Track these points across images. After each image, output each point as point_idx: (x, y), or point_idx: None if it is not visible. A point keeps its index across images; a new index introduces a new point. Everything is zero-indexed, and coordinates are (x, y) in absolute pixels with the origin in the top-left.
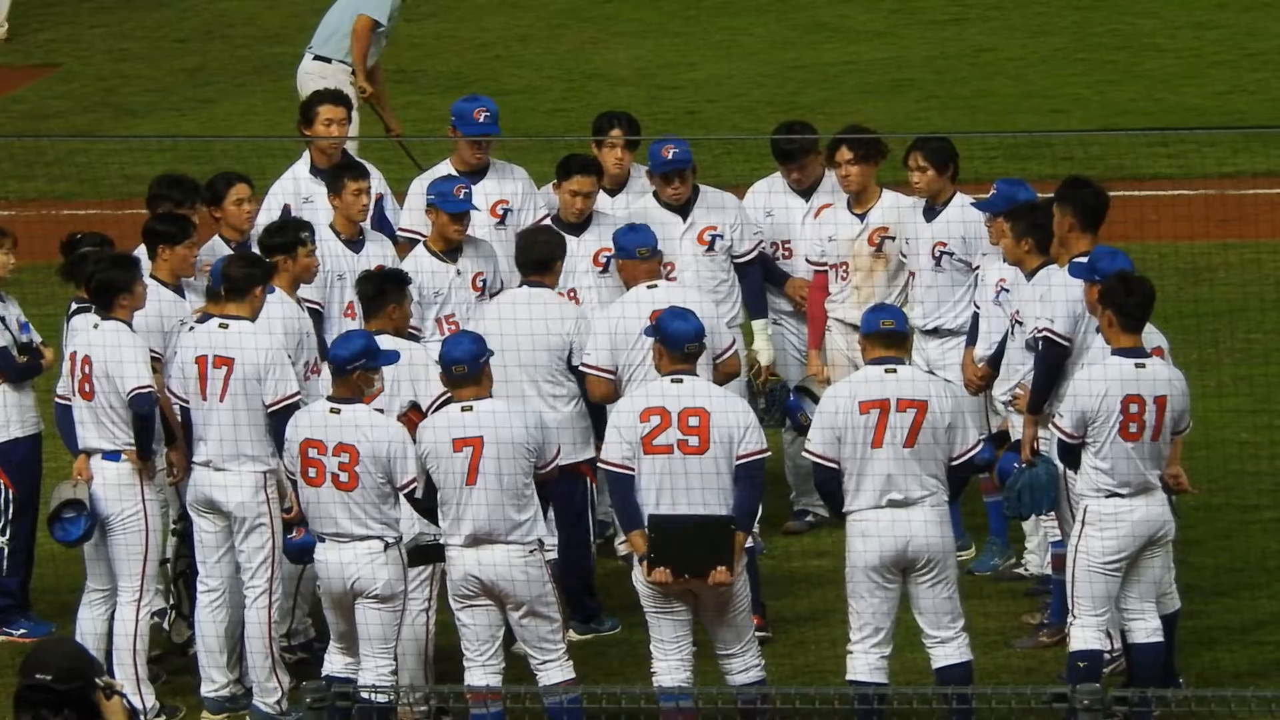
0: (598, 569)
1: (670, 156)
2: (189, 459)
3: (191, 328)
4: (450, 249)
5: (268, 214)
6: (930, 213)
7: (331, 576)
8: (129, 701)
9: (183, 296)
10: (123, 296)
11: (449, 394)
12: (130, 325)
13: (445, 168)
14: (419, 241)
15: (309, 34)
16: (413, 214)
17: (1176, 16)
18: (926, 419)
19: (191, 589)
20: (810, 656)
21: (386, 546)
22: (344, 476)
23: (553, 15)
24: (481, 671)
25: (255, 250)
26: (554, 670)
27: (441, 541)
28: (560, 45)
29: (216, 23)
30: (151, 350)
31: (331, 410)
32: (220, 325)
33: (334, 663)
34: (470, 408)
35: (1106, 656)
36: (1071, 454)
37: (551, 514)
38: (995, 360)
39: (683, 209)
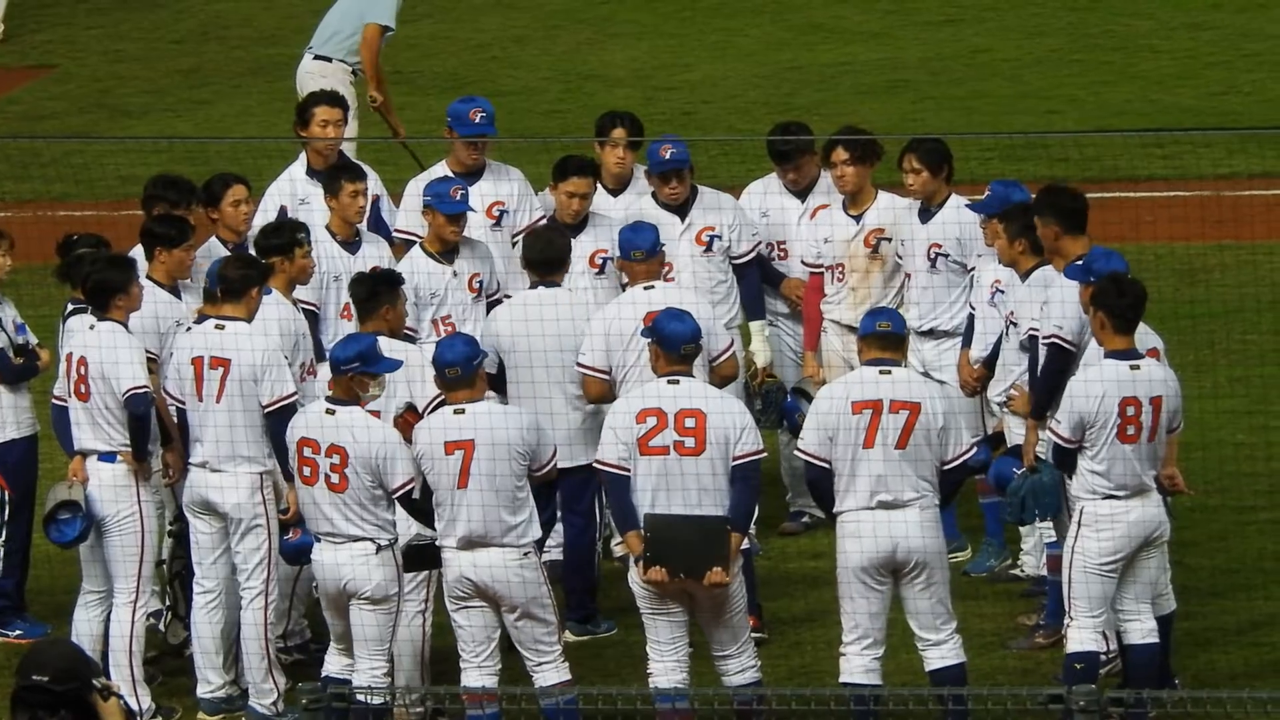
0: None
1: (668, 156)
2: (185, 460)
3: (189, 328)
4: (446, 250)
5: (264, 215)
6: (925, 214)
7: (327, 577)
8: (125, 703)
9: (179, 298)
10: (118, 297)
11: (443, 396)
12: (126, 326)
13: (441, 169)
14: (415, 243)
15: (305, 35)
16: (409, 215)
17: (1172, 17)
18: (919, 421)
19: (187, 590)
20: (806, 657)
21: (379, 549)
22: (335, 478)
23: (549, 16)
24: (477, 673)
25: (251, 252)
26: (550, 671)
27: (437, 543)
28: (556, 46)
29: (212, 24)
30: (148, 351)
31: (328, 411)
32: (216, 326)
33: (333, 663)
34: (463, 410)
35: (1103, 658)
36: (1067, 458)
37: (558, 512)
38: (991, 361)
39: (681, 209)
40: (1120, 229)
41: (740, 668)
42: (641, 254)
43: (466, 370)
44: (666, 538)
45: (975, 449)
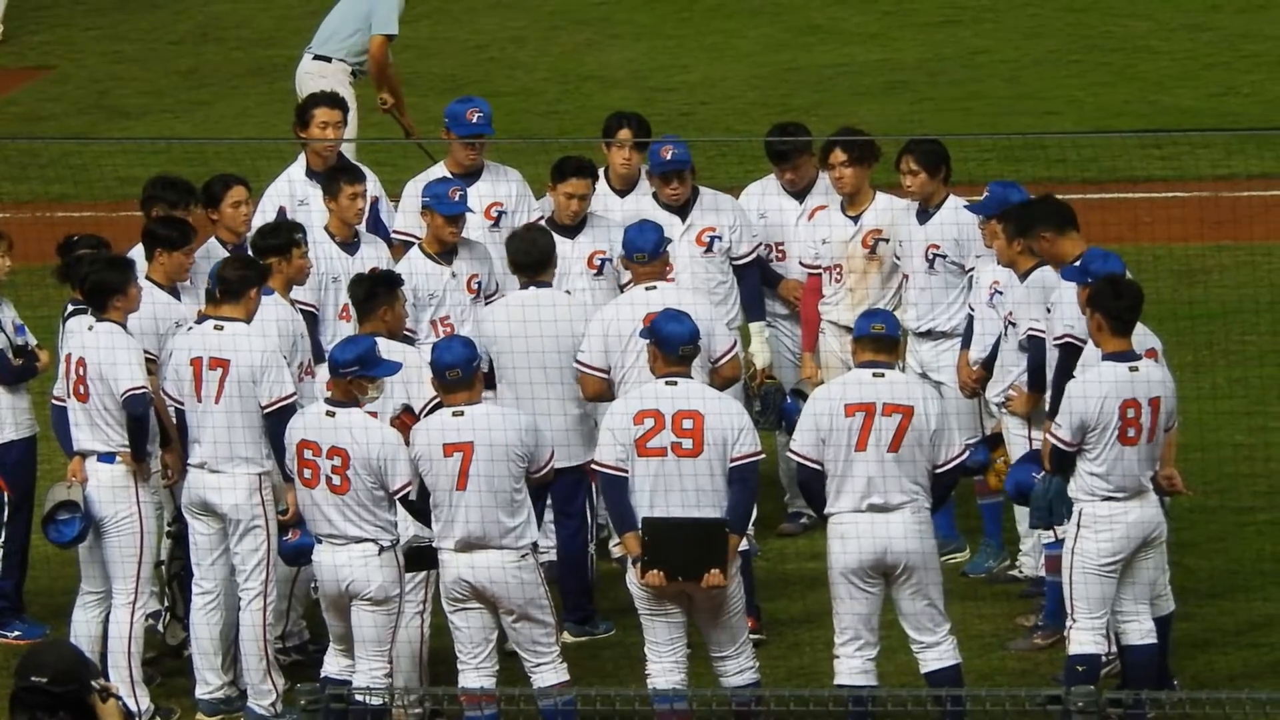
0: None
1: (669, 157)
2: (184, 461)
3: (190, 328)
4: (445, 251)
5: (262, 216)
6: (923, 215)
7: (327, 578)
8: (124, 704)
9: (178, 299)
10: (116, 298)
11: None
12: (125, 327)
13: (440, 170)
14: (414, 244)
15: (303, 36)
16: (407, 216)
17: (1170, 19)
18: (912, 424)
19: (186, 591)
20: (805, 659)
21: (381, 550)
22: (336, 480)
23: (547, 17)
24: (475, 674)
25: (250, 253)
26: (548, 673)
27: (434, 545)
28: (555, 47)
29: (211, 25)
30: (146, 352)
31: (328, 413)
32: (216, 327)
33: (333, 664)
34: (461, 413)
35: (1103, 659)
36: (1067, 460)
37: (549, 514)
38: (989, 362)
39: (681, 210)
40: (1119, 230)
41: (738, 669)
42: (644, 256)
43: (466, 372)
44: (664, 539)
45: (969, 451)
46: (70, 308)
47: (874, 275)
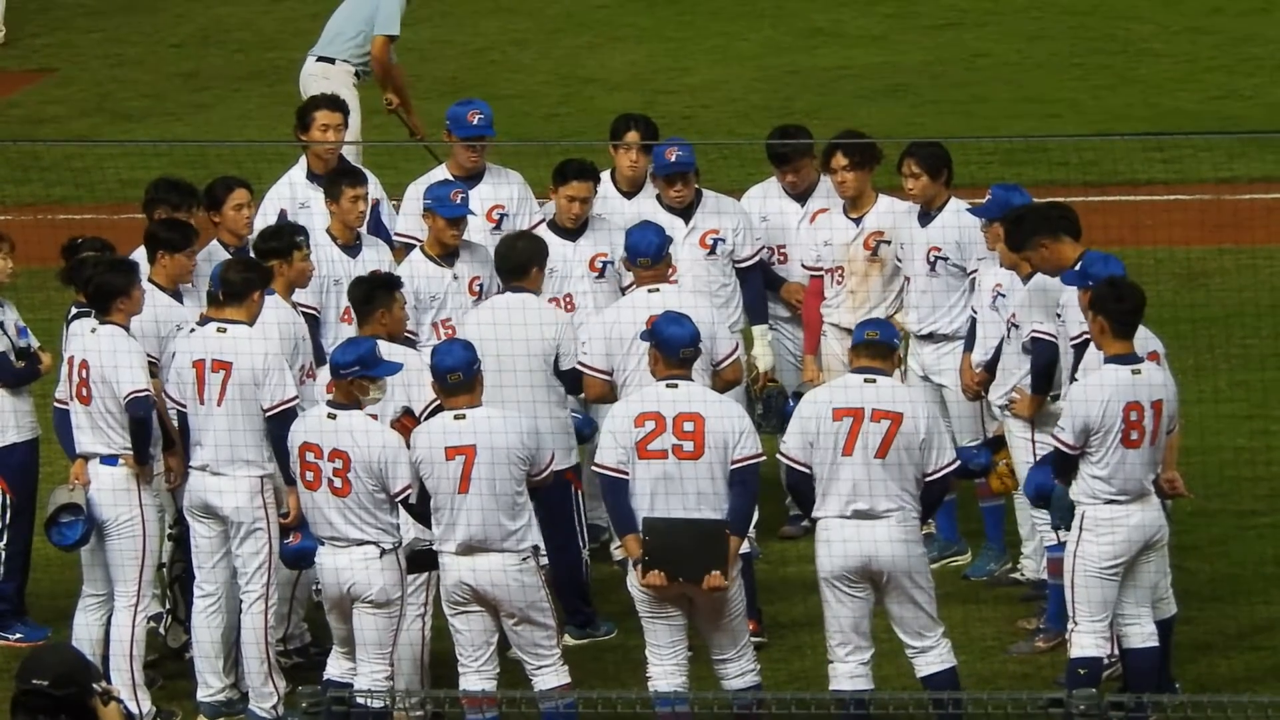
0: (593, 574)
1: (673, 159)
2: (186, 463)
3: (192, 331)
4: (447, 254)
5: (263, 219)
6: (925, 218)
7: (329, 581)
8: (125, 707)
9: (180, 302)
10: (120, 301)
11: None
12: (128, 330)
13: (441, 172)
14: (415, 246)
15: (304, 39)
16: (409, 219)
17: (1172, 21)
18: (900, 431)
19: (188, 594)
20: (806, 661)
21: (383, 552)
22: (338, 482)
23: (548, 20)
24: (476, 677)
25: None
26: (549, 675)
27: (435, 548)
28: (556, 50)
29: (212, 28)
30: (148, 355)
31: (329, 415)
32: (218, 330)
33: (335, 667)
34: (463, 416)
35: (1105, 662)
36: (1070, 464)
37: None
38: (992, 365)
39: (685, 212)
40: (1120, 233)
41: (739, 671)
42: (648, 261)
43: (468, 375)
44: (665, 541)
45: (973, 454)
46: (74, 310)
47: (875, 278)
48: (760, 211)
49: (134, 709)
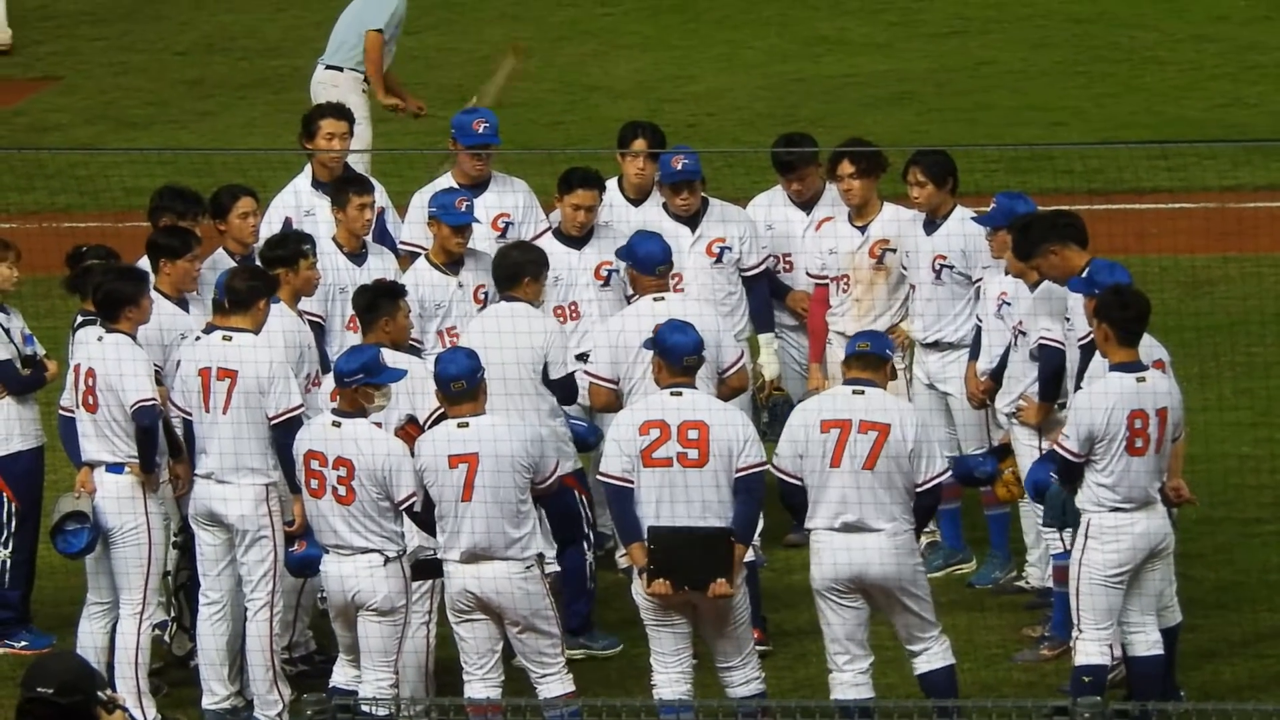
0: (598, 581)
1: (680, 167)
2: (191, 471)
3: (198, 339)
4: (452, 262)
5: (269, 227)
6: (930, 226)
7: (334, 588)
8: (130, 714)
9: (185, 310)
10: (128, 309)
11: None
12: (134, 338)
13: (446, 180)
14: (420, 254)
15: (308, 46)
16: (414, 227)
17: (1177, 30)
18: (888, 443)
19: (193, 601)
20: (811, 669)
21: (387, 560)
22: (342, 490)
23: (553, 28)
24: (481, 684)
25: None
26: (554, 683)
27: (439, 556)
28: (561, 58)
29: (217, 35)
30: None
31: (333, 423)
32: (224, 338)
33: (341, 674)
34: (466, 424)
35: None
36: (1074, 472)
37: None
38: (997, 373)
39: (691, 221)
40: (1125, 241)
41: (744, 679)
42: (666, 268)
43: (471, 383)
44: (670, 549)
45: (949, 471)
46: (79, 318)
47: (881, 286)
48: (765, 219)
49: (139, 717)
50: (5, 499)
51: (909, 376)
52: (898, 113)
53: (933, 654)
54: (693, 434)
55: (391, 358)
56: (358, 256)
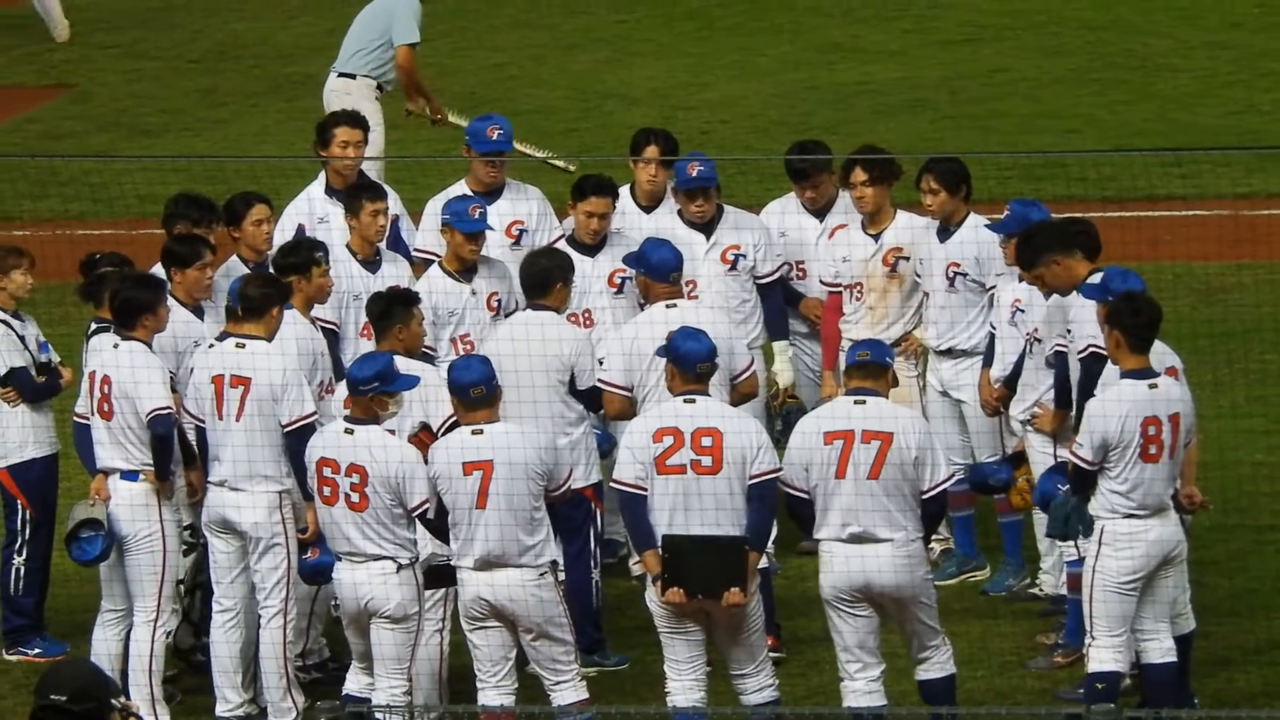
0: (609, 590)
1: (695, 174)
2: (205, 479)
3: (211, 346)
4: (465, 269)
5: (282, 234)
6: (944, 233)
7: (346, 596)
8: None
9: (200, 317)
10: (146, 317)
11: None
12: (150, 346)
13: (460, 188)
14: (434, 262)
15: (322, 54)
16: (427, 234)
17: (1191, 37)
18: (891, 451)
19: (207, 601)
20: (824, 676)
21: (400, 567)
22: (355, 497)
23: (566, 35)
24: (494, 692)
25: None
26: (567, 691)
27: (453, 563)
28: (574, 65)
29: (230, 43)
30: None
31: (346, 430)
32: (237, 345)
33: (354, 682)
34: (481, 431)
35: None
36: (1088, 479)
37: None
38: (1011, 381)
39: (706, 228)
40: (1138, 248)
41: (758, 687)
42: (679, 275)
43: (489, 389)
44: (684, 557)
45: (954, 477)
46: (93, 325)
47: (894, 294)
48: (779, 227)
49: None
50: (19, 506)
51: (922, 384)
52: (911, 120)
53: (934, 663)
54: (706, 441)
55: (404, 365)
56: (371, 264)
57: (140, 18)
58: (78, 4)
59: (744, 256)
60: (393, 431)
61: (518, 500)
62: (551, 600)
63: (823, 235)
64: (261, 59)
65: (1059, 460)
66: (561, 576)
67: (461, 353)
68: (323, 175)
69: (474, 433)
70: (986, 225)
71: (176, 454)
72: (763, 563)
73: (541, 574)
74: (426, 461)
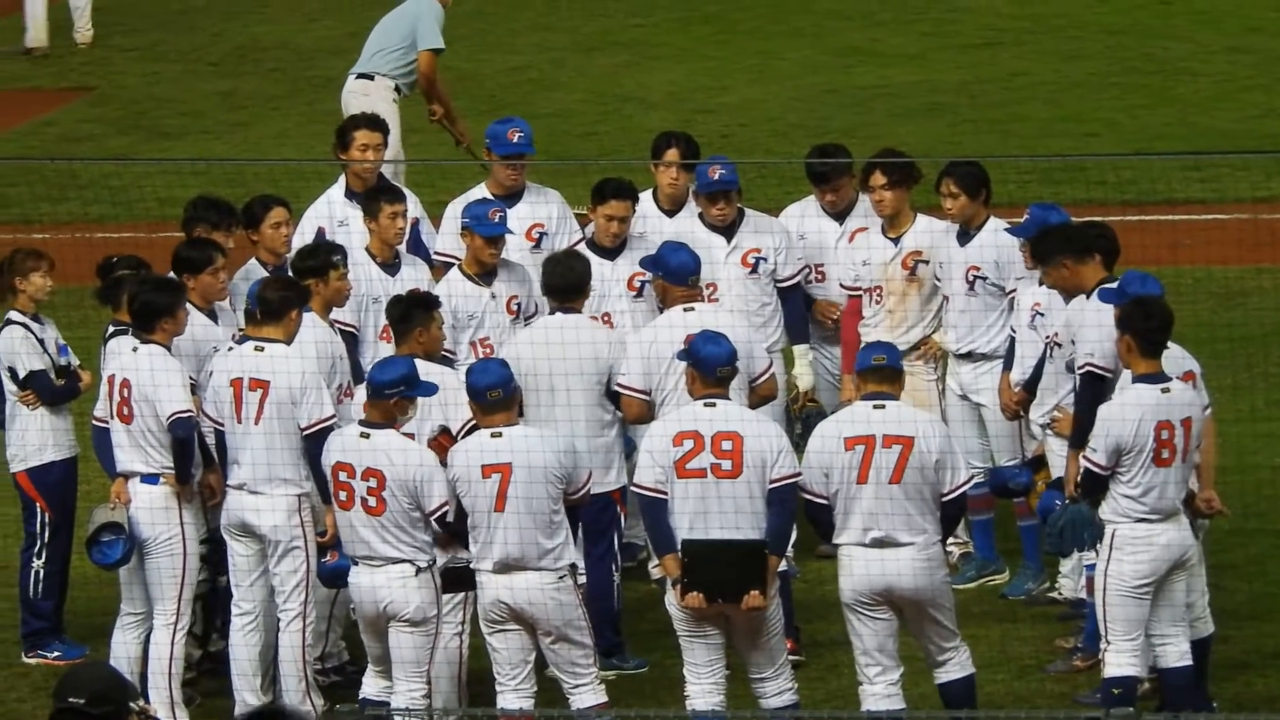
0: (629, 593)
1: (716, 177)
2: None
3: (230, 349)
4: (485, 272)
5: (301, 237)
6: (964, 237)
7: (364, 600)
8: None
9: (215, 322)
10: (164, 320)
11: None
12: (169, 349)
13: (480, 191)
14: (454, 265)
15: (342, 57)
16: (447, 238)
17: (1210, 41)
18: (912, 455)
19: (209, 610)
20: (843, 680)
21: (418, 571)
22: (372, 501)
23: (586, 39)
24: (513, 695)
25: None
26: (586, 694)
27: (472, 566)
28: (593, 69)
29: (249, 46)
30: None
31: (362, 434)
32: (256, 348)
33: (371, 685)
34: (500, 434)
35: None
36: (1100, 484)
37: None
38: (1031, 384)
39: (727, 231)
40: (1158, 252)
41: (777, 690)
42: (698, 278)
43: (507, 392)
44: (704, 561)
45: (974, 479)
46: (111, 328)
47: (914, 297)
48: (798, 230)
49: None
50: (38, 509)
51: (941, 388)
52: (930, 124)
53: (953, 664)
54: (726, 445)
55: (424, 369)
56: (391, 267)
57: (160, 21)
58: (98, 6)
59: (764, 260)
60: (411, 435)
61: (536, 503)
62: (571, 603)
63: (842, 239)
64: (281, 62)
65: (1053, 479)
66: (581, 579)
67: (481, 356)
68: (342, 178)
69: (493, 435)
70: (1006, 229)
71: (196, 457)
72: (782, 566)
73: (561, 577)
74: (446, 465)
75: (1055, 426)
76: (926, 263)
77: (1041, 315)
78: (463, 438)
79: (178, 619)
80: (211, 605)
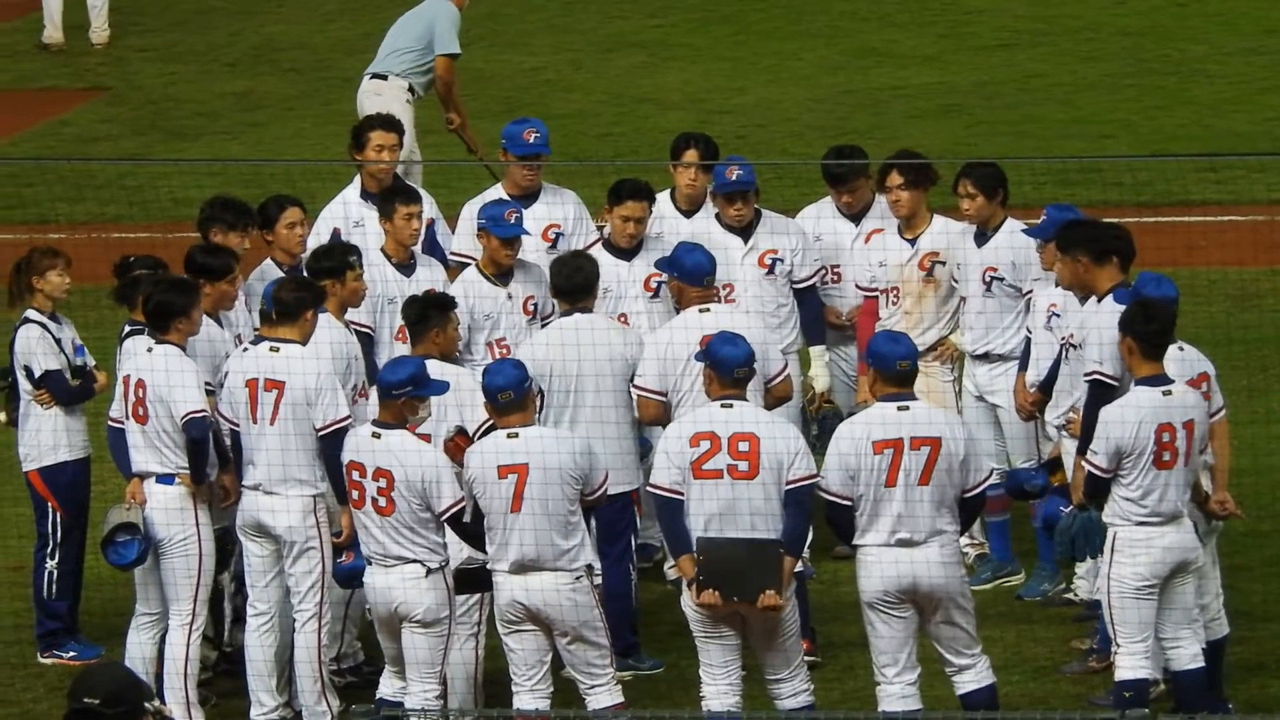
0: (645, 594)
1: (734, 178)
2: (239, 483)
3: (245, 350)
4: (501, 273)
5: (317, 238)
6: (981, 238)
7: (378, 600)
8: None
9: (220, 326)
10: (179, 320)
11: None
12: (184, 349)
13: (496, 192)
14: (470, 265)
15: (357, 58)
16: (464, 238)
17: (1226, 43)
18: (940, 456)
19: (216, 611)
20: (859, 681)
21: (429, 571)
22: (382, 501)
23: (602, 40)
24: (529, 696)
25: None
26: (603, 695)
27: (488, 566)
28: (610, 70)
29: (265, 46)
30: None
31: (374, 434)
32: (271, 349)
33: (388, 686)
34: (516, 434)
35: (1161, 684)
36: (1102, 487)
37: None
38: (1047, 385)
39: (744, 231)
40: (1173, 254)
41: (793, 691)
42: (712, 278)
43: (519, 394)
44: (719, 561)
45: (994, 476)
46: (127, 328)
47: (930, 298)
48: (814, 231)
49: None
50: (50, 509)
51: (958, 389)
52: (946, 125)
53: (975, 673)
54: (743, 446)
55: (439, 369)
56: (406, 267)
57: (176, 21)
58: (114, 6)
59: (781, 261)
60: (427, 436)
61: (553, 504)
62: (587, 604)
63: (858, 240)
64: (297, 62)
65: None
66: (598, 580)
67: (498, 356)
68: (358, 179)
69: (509, 436)
70: (1023, 230)
71: (211, 457)
72: (798, 567)
73: (577, 577)
74: (463, 465)
75: (1070, 428)
76: (943, 264)
77: (1058, 316)
78: (479, 438)
79: (193, 619)
80: (219, 608)
